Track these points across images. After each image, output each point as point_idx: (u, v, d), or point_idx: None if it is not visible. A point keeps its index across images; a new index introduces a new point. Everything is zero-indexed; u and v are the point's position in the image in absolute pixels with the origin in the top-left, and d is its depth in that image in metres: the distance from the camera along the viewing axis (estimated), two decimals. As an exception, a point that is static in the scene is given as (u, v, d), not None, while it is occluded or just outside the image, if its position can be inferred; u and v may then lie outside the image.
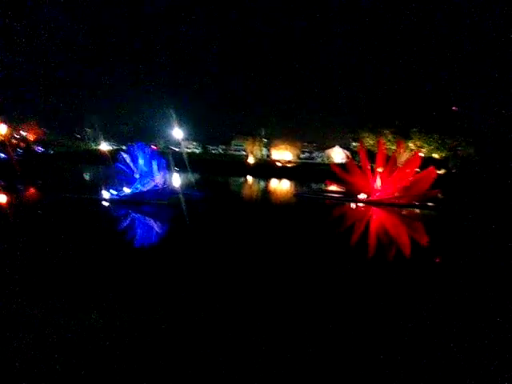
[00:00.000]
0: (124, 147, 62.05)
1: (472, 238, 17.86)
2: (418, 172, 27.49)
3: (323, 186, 41.66)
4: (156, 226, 16.97)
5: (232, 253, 11.94)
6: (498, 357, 6.02)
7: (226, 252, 12.00)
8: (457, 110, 59.45)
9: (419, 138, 59.49)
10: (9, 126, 69.01)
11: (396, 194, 27.44)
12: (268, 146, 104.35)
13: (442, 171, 54.71)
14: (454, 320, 7.49)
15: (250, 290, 8.65)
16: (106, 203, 20.58)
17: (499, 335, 6.76)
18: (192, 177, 45.40)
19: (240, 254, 11.82)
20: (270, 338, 6.28)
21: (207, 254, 11.52)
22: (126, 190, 21.19)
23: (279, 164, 68.80)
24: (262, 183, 45.82)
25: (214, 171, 58.20)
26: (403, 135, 57.57)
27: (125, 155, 21.88)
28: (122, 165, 21.73)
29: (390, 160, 28.78)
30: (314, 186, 44.86)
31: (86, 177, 42.88)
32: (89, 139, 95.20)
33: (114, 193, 21.14)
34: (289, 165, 70.21)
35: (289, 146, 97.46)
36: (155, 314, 7.02)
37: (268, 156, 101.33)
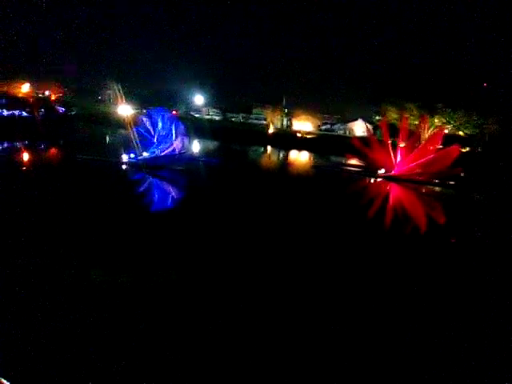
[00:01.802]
0: (144, 111, 62.07)
1: (487, 219, 17.48)
2: (441, 149, 26.75)
3: (343, 159, 41.18)
4: (171, 191, 17.09)
5: (245, 223, 11.97)
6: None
7: (240, 221, 12.03)
8: (486, 87, 57.08)
9: (444, 114, 57.60)
10: (32, 85, 69.47)
11: (417, 171, 26.87)
12: (289, 116, 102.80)
13: (466, 149, 53.19)
14: (461, 302, 7.42)
15: (260, 263, 8.69)
16: (124, 166, 20.74)
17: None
18: (211, 144, 45.31)
19: (253, 225, 11.84)
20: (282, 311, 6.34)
21: (220, 223, 11.58)
22: (145, 154, 21.27)
23: (299, 135, 67.81)
24: (282, 154, 45.44)
25: (234, 139, 57.85)
26: (428, 110, 55.79)
27: (145, 119, 21.85)
28: (142, 129, 21.72)
29: (413, 136, 28.08)
30: (333, 158, 44.31)
31: (107, 139, 43.19)
32: (110, 102, 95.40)
33: (132, 156, 21.24)
34: (309, 136, 69.18)
35: (310, 117, 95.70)
36: (161, 278, 7.13)
37: (288, 126, 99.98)
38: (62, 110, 63.31)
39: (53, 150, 27.02)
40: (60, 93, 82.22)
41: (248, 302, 6.47)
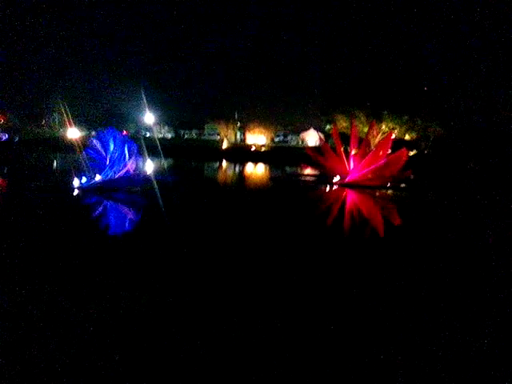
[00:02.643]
0: (93, 133, 60.40)
1: (441, 216, 18.29)
2: (390, 153, 27.86)
3: (299, 169, 41.88)
4: (129, 214, 16.60)
5: (210, 239, 11.80)
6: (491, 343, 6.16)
7: (204, 238, 11.85)
8: (427, 90, 60.33)
9: (391, 120, 60.32)
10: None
11: (369, 176, 27.79)
12: (242, 130, 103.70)
13: (413, 152, 55.78)
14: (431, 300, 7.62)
15: (227, 276, 8.55)
16: (76, 192, 19.96)
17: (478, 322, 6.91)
18: (165, 162, 44.70)
19: (219, 240, 11.69)
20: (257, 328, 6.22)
21: (182, 241, 11.34)
22: (97, 177, 20.59)
23: (254, 148, 68.47)
24: (238, 167, 45.57)
25: (188, 156, 57.47)
26: (375, 117, 58.19)
27: (95, 141, 21.21)
28: (93, 151, 21.08)
29: (363, 142, 29.08)
30: (289, 169, 44.98)
31: (55, 164, 41.55)
32: (56, 126, 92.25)
33: (84, 180, 20.50)
34: (263, 148, 70.03)
35: (263, 130, 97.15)
36: (134, 303, 6.85)
37: (242, 140, 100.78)
38: (4, 136, 60.44)
39: (-4, 179, 25.57)
40: (3, 119, 78.57)
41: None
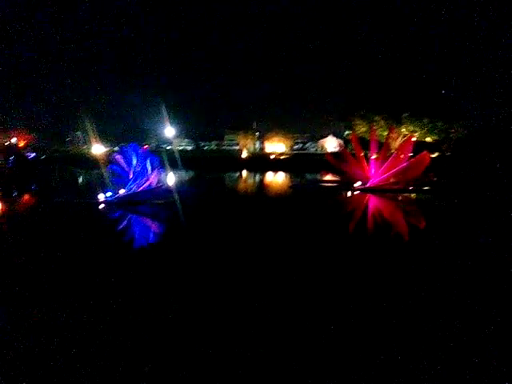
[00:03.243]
0: (116, 148, 61.77)
1: (466, 220, 17.95)
2: (411, 157, 27.56)
3: (319, 175, 41.77)
4: (154, 226, 16.92)
5: (233, 249, 11.94)
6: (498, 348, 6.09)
7: (227, 248, 12.00)
8: (446, 93, 59.59)
9: (411, 123, 59.65)
10: (-3, 135, 68.49)
11: (391, 180, 27.54)
12: (261, 139, 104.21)
13: (435, 154, 54.91)
14: (454, 307, 7.55)
15: (252, 285, 8.65)
16: (101, 206, 20.47)
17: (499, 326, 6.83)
18: (186, 174, 45.29)
19: (241, 250, 11.82)
20: (272, 333, 6.30)
21: (207, 252, 11.52)
22: (121, 192, 21.09)
23: (273, 156, 68.67)
24: (258, 177, 45.77)
25: (209, 168, 58.06)
26: (395, 121, 57.71)
27: (118, 156, 21.79)
28: (116, 166, 21.66)
29: (383, 146, 28.88)
30: (309, 176, 44.90)
31: (80, 180, 42.65)
32: (80, 142, 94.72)
33: (109, 195, 21.02)
34: (282, 157, 70.10)
35: (282, 138, 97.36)
36: (158, 314, 7.02)
37: (261, 149, 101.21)
38: (32, 155, 62.39)
39: (26, 197, 26.44)
40: (29, 139, 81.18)
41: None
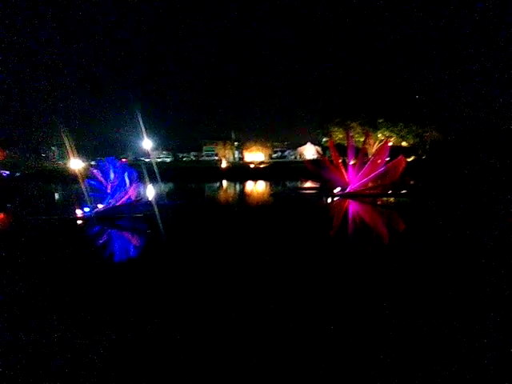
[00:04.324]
0: (93, 163, 60.88)
1: (443, 221, 18.31)
2: (388, 161, 28.04)
3: (298, 183, 42.03)
4: (133, 240, 16.66)
5: (215, 258, 11.85)
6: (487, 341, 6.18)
7: (210, 258, 11.90)
8: (420, 98, 60.92)
9: (386, 128, 60.76)
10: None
11: (369, 185, 27.93)
12: (240, 149, 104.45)
13: (411, 158, 56.05)
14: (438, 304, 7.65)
15: (236, 295, 8.58)
16: (79, 222, 20.06)
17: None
18: (166, 186, 44.89)
19: (223, 260, 11.74)
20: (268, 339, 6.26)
21: (189, 263, 11.40)
22: (100, 206, 20.74)
23: (252, 166, 68.85)
24: (238, 186, 45.73)
25: (188, 179, 57.73)
26: (371, 126, 58.72)
27: (95, 171, 21.45)
28: (94, 181, 21.31)
29: (360, 152, 29.30)
30: (289, 184, 45.12)
31: (57, 196, 41.76)
32: (56, 157, 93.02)
33: (87, 210, 20.64)
34: (262, 165, 70.36)
35: (260, 147, 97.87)
36: (141, 327, 6.88)
37: (241, 159, 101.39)
38: (5, 173, 60.78)
39: (0, 216, 25.70)
40: (2, 156, 79.23)
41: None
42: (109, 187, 20.98)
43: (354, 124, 60.66)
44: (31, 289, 9.38)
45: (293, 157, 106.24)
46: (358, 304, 7.69)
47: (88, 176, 21.88)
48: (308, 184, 36.58)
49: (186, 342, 6.41)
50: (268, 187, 42.90)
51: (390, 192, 27.93)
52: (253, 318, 7.18)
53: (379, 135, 61.00)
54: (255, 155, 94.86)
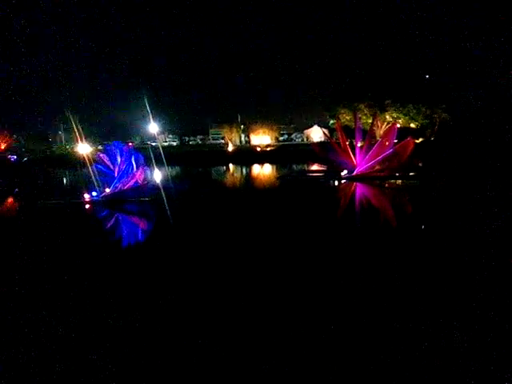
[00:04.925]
0: (100, 147, 60.99)
1: (452, 204, 18.16)
2: (396, 143, 27.73)
3: (305, 166, 41.82)
4: (141, 224, 16.77)
5: (223, 244, 11.90)
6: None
7: (218, 243, 11.95)
8: (430, 78, 59.83)
9: (394, 110, 59.90)
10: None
11: (377, 167, 27.69)
12: (246, 132, 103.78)
13: (419, 140, 55.39)
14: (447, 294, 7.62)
15: (244, 282, 8.62)
16: (87, 206, 20.20)
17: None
18: (173, 170, 44.96)
19: (230, 246, 11.77)
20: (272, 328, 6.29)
21: (197, 249, 11.45)
22: (107, 190, 20.84)
23: (259, 149, 68.51)
24: (245, 169, 45.64)
25: (195, 162, 57.69)
26: (378, 108, 57.91)
27: (102, 155, 21.50)
28: (101, 165, 21.37)
29: (367, 134, 28.99)
30: (295, 167, 44.94)
31: (65, 181, 42.04)
32: (63, 142, 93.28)
33: (95, 194, 20.76)
34: (269, 148, 69.97)
35: (267, 130, 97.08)
36: (151, 313, 6.95)
37: (247, 142, 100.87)
38: (13, 157, 61.12)
39: (9, 200, 25.94)
40: (10, 141, 79.50)
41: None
42: (116, 171, 21.04)
43: (361, 105, 59.84)
44: (39, 273, 9.50)
45: (300, 139, 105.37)
46: (360, 297, 7.67)
47: (95, 160, 21.93)
48: (315, 167, 36.34)
49: (186, 337, 6.45)
50: (275, 170, 42.77)
51: (397, 174, 27.69)
52: (256, 310, 7.21)
53: (387, 117, 60.21)
54: (262, 138, 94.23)
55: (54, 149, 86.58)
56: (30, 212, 20.23)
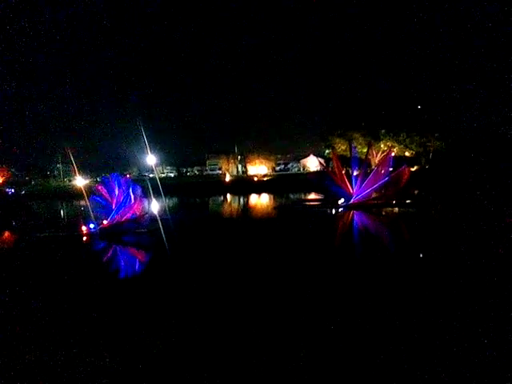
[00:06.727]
0: (98, 179, 61.28)
1: (448, 229, 18.25)
2: (392, 172, 28.06)
3: (302, 195, 42.05)
4: (138, 256, 16.70)
5: (220, 273, 11.87)
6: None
7: (215, 272, 11.92)
8: (423, 108, 60.90)
9: (388, 138, 60.79)
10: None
11: (373, 195, 27.91)
12: (243, 162, 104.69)
13: (415, 168, 55.95)
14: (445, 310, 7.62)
15: (243, 312, 8.59)
16: (84, 238, 20.15)
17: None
18: (170, 201, 45.06)
19: (228, 275, 11.75)
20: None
21: (194, 278, 11.42)
22: (105, 222, 20.83)
23: (256, 178, 68.97)
24: (242, 199, 45.79)
25: (192, 193, 57.92)
26: (373, 137, 58.77)
27: (100, 187, 21.61)
28: (99, 197, 21.44)
29: (363, 163, 29.37)
30: (292, 196, 45.13)
31: (62, 213, 41.96)
32: (60, 175, 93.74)
33: (92, 226, 20.74)
34: (265, 178, 70.43)
35: (263, 160, 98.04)
36: (154, 340, 6.90)
37: (244, 172, 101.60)
38: (11, 191, 61.13)
39: (6, 234, 25.84)
40: (6, 175, 79.73)
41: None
42: (114, 203, 21.10)
43: (356, 135, 60.76)
44: (37, 303, 9.42)
45: (296, 169, 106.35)
46: (359, 316, 7.67)
47: (93, 192, 22.03)
48: (312, 196, 36.56)
49: (189, 356, 6.42)
50: (272, 200, 42.93)
51: (394, 202, 27.88)
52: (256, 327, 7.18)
53: (382, 145, 61.04)
54: (259, 168, 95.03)
55: (51, 181, 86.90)
56: (26, 245, 20.13)
